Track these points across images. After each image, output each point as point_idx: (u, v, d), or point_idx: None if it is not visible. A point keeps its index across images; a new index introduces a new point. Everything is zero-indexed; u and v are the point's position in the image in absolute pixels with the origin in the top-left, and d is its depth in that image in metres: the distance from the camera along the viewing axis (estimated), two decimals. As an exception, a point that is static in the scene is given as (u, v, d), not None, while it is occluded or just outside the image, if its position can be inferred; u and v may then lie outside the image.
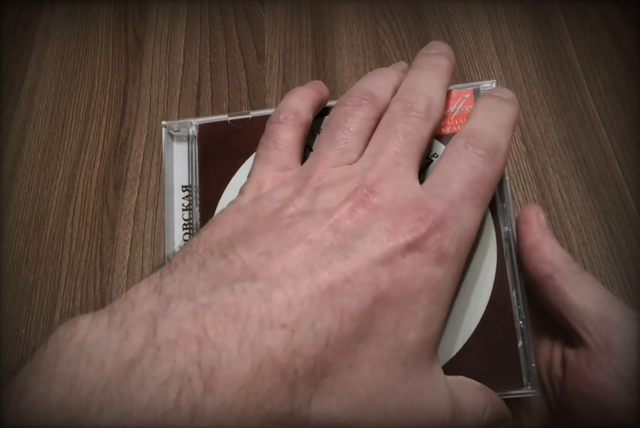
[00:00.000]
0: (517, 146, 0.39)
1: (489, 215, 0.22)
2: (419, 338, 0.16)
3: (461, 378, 0.19)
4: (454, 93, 0.23)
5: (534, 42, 0.42)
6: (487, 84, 0.23)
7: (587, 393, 0.22)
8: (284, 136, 0.20)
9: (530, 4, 0.44)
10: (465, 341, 0.20)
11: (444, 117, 0.23)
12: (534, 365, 0.21)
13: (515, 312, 0.21)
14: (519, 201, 0.37)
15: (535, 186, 0.37)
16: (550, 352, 0.25)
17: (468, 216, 0.17)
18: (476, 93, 0.23)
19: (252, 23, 0.47)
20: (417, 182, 0.18)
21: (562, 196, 0.37)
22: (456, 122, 0.23)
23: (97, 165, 0.43)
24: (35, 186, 0.43)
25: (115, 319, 0.14)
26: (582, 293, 0.23)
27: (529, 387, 0.20)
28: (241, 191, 0.19)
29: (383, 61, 0.44)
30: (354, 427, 0.14)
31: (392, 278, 0.15)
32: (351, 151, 0.19)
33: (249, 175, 0.20)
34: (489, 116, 0.19)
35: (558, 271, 0.23)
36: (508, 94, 0.20)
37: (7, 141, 0.45)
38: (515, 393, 0.20)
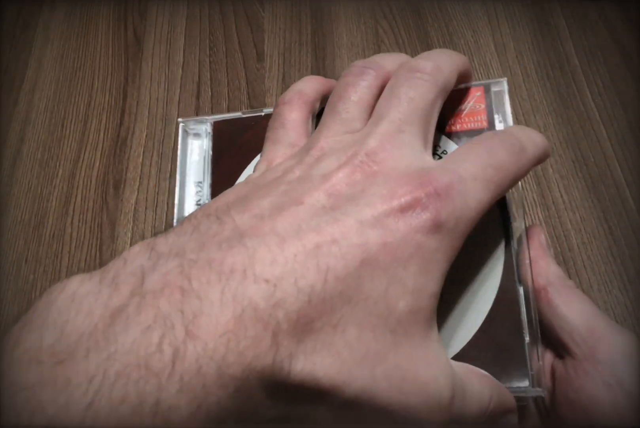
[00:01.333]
0: (516, 146, 0.39)
1: (497, 210, 0.21)
2: (409, 308, 0.15)
3: (467, 364, 0.18)
4: (464, 91, 0.23)
5: (534, 41, 0.42)
6: (498, 82, 0.23)
7: (574, 399, 0.23)
8: (290, 116, 0.20)
9: (530, 3, 0.44)
10: (470, 336, 0.20)
11: (454, 115, 0.22)
12: (541, 363, 0.20)
13: (523, 308, 0.20)
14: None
15: (535, 186, 0.37)
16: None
17: (475, 195, 0.16)
18: (487, 90, 0.23)
19: (251, 22, 0.47)
20: (426, 154, 0.18)
21: (561, 196, 0.37)
22: (467, 119, 0.22)
23: (97, 164, 0.43)
24: (35, 186, 0.43)
25: (107, 275, 0.14)
26: (572, 307, 0.24)
27: (536, 386, 0.20)
28: (254, 169, 0.20)
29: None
30: (337, 389, 0.14)
31: (382, 241, 0.15)
32: (354, 120, 0.19)
33: (261, 156, 0.20)
34: (525, 132, 0.19)
35: (552, 285, 0.25)
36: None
37: (6, 140, 0.45)
38: (522, 391, 0.19)
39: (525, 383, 0.19)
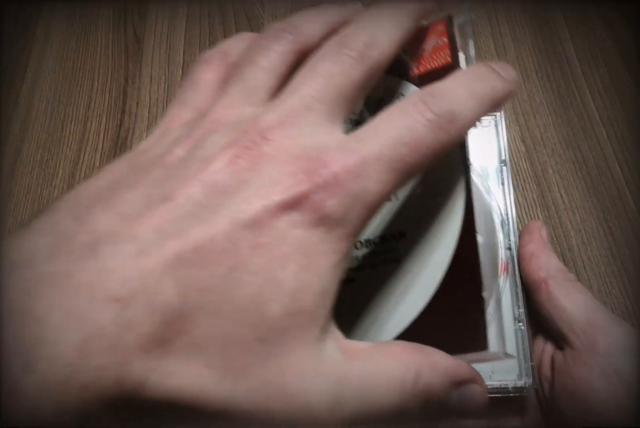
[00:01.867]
0: (516, 146, 0.39)
1: (460, 169, 0.19)
2: (285, 311, 0.13)
3: (386, 344, 0.16)
4: (426, 28, 0.20)
5: (534, 42, 0.42)
6: (460, 10, 0.20)
7: (572, 388, 0.23)
8: (203, 75, 0.18)
9: (530, 4, 0.44)
10: (425, 302, 0.18)
11: (418, 57, 0.20)
12: (494, 322, 0.18)
13: (481, 259, 0.18)
14: (519, 201, 0.37)
15: (535, 186, 0.37)
16: (541, 355, 0.26)
17: (377, 177, 0.14)
18: (449, 22, 0.20)
19: (251, 23, 0.47)
20: (334, 135, 0.15)
21: (561, 196, 0.37)
22: (430, 58, 0.20)
23: (97, 165, 0.43)
24: (35, 186, 0.43)
25: None
26: (573, 299, 0.25)
27: (499, 350, 0.17)
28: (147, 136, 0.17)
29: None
30: (197, 410, 0.13)
31: (255, 243, 0.13)
32: (260, 89, 0.16)
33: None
34: (467, 82, 0.16)
35: (552, 278, 0.25)
36: (508, 72, 0.17)
37: (6, 140, 0.45)
38: (481, 357, 0.17)
39: (481, 345, 0.17)
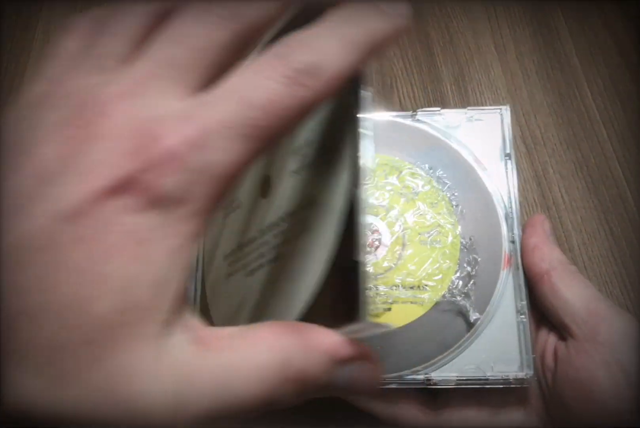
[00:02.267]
0: (517, 146, 0.39)
1: (350, 122, 0.17)
2: (112, 309, 0.12)
3: (256, 327, 0.15)
4: None
5: (534, 42, 0.42)
6: None
7: (575, 378, 0.24)
8: (64, 44, 0.16)
9: (530, 4, 0.44)
10: (321, 272, 0.17)
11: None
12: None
13: (358, 232, 0.16)
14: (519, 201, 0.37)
15: (535, 186, 0.37)
16: (544, 346, 0.27)
17: (226, 147, 0.13)
18: None
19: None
20: (181, 102, 0.13)
21: (562, 196, 0.37)
22: None
23: (97, 165, 0.43)
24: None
25: None
26: (574, 290, 0.26)
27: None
28: None
29: (382, 61, 0.44)
30: (33, 423, 0.12)
31: (76, 236, 0.12)
32: (109, 56, 0.14)
33: None
34: (335, 26, 0.14)
35: (555, 269, 0.26)
36: (395, 6, 0.14)
37: (6, 141, 0.45)
38: (356, 331, 0.15)
39: (353, 316, 0.15)
